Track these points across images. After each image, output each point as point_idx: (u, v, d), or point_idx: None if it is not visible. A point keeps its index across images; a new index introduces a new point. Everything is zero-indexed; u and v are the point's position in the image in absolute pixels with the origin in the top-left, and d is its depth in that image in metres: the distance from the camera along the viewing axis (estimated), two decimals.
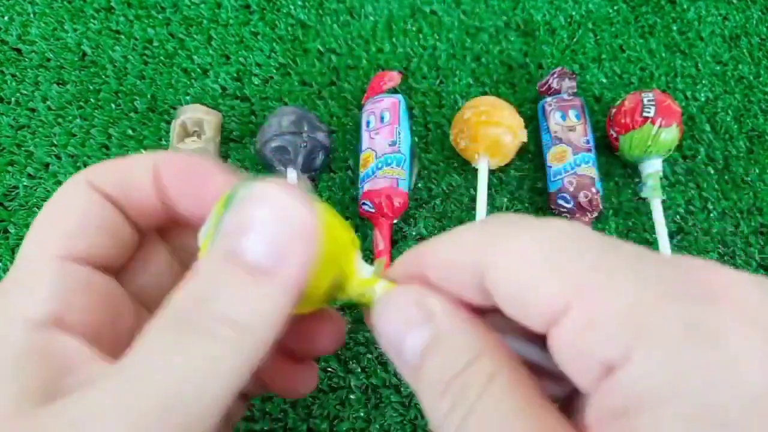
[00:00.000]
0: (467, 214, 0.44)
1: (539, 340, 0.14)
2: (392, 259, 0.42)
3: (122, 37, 0.51)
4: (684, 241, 0.44)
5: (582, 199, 0.42)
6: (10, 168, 0.45)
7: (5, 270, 0.41)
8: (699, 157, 0.48)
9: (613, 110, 0.46)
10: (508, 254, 0.13)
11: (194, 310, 0.14)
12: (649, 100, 0.43)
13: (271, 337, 0.14)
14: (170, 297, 0.14)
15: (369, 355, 0.39)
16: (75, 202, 0.17)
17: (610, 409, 0.12)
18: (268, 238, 0.14)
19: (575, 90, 0.47)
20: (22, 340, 0.14)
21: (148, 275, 0.19)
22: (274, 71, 0.50)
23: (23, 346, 0.14)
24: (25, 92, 0.48)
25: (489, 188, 0.45)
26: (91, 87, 0.49)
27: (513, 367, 0.13)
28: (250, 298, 0.14)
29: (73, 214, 0.17)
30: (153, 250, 0.20)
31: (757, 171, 0.47)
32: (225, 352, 0.13)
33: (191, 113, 0.44)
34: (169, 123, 0.47)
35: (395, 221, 0.44)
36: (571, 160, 0.43)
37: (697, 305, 0.11)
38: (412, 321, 0.15)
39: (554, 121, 0.46)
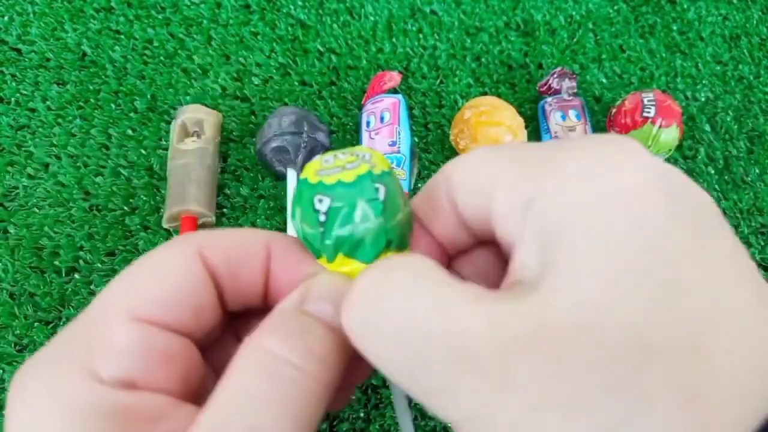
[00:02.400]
0: None
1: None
2: None
3: (122, 37, 0.51)
4: None
5: None
6: (10, 168, 0.45)
7: (5, 271, 0.41)
8: (699, 157, 0.48)
9: (613, 110, 0.46)
10: (459, 166, 0.17)
11: (265, 357, 0.15)
12: (649, 101, 0.43)
13: (332, 378, 0.15)
14: (248, 341, 0.15)
15: None
16: (178, 270, 0.16)
17: (531, 234, 0.14)
18: (336, 304, 0.16)
19: (575, 90, 0.47)
20: (97, 398, 0.14)
21: (222, 347, 0.19)
22: (274, 71, 0.50)
23: (97, 404, 0.14)
24: (25, 92, 0.48)
25: None
26: (91, 87, 0.49)
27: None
28: (323, 341, 0.15)
29: (172, 283, 0.16)
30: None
31: (757, 171, 0.47)
32: (290, 392, 0.14)
33: (191, 113, 0.44)
34: (169, 123, 0.47)
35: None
36: None
37: (592, 153, 0.15)
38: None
39: (554, 121, 0.46)
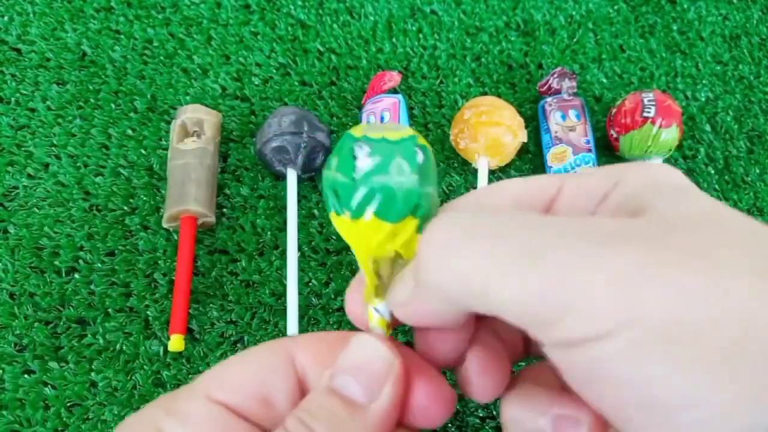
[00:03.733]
0: None
1: None
2: None
3: (122, 37, 0.51)
4: None
5: None
6: (10, 168, 0.45)
7: (5, 271, 0.41)
8: (699, 157, 0.48)
9: (614, 110, 0.46)
10: (499, 274, 0.14)
11: None
12: (649, 100, 0.43)
13: None
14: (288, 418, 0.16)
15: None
16: (264, 362, 0.18)
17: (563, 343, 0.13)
18: (363, 379, 0.17)
19: (575, 90, 0.47)
20: None
21: None
22: (274, 71, 0.50)
23: None
24: (25, 92, 0.48)
25: None
26: (90, 87, 0.49)
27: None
28: (345, 428, 0.16)
29: (256, 373, 0.17)
30: None
31: (758, 171, 0.47)
32: None
33: (191, 113, 0.44)
34: (169, 123, 0.47)
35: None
36: (572, 160, 0.43)
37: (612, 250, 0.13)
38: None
39: (554, 121, 0.46)
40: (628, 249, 0.12)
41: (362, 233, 0.17)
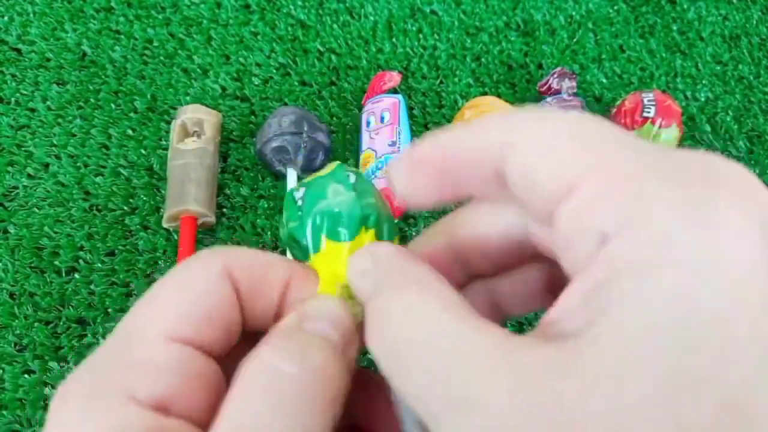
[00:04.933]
0: None
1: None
2: None
3: (122, 37, 0.51)
4: None
5: None
6: (10, 168, 0.45)
7: (5, 271, 0.41)
8: None
9: (614, 110, 0.46)
10: (527, 137, 0.14)
11: (268, 371, 0.15)
12: (649, 101, 0.43)
13: (335, 387, 0.15)
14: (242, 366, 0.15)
15: (369, 355, 0.39)
16: (207, 287, 0.16)
17: (592, 281, 0.12)
18: (341, 331, 0.16)
19: (575, 90, 0.47)
20: (131, 420, 0.14)
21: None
22: (274, 71, 0.50)
23: (131, 425, 0.14)
24: (25, 92, 0.48)
25: None
26: (91, 87, 0.49)
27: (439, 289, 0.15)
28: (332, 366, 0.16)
29: (202, 301, 0.16)
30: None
31: (757, 171, 0.47)
32: (296, 402, 0.14)
33: (191, 113, 0.44)
34: (169, 123, 0.47)
35: (395, 221, 0.44)
36: None
37: (696, 187, 0.12)
38: (361, 272, 0.17)
39: None
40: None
41: (328, 263, 0.18)
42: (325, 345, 0.16)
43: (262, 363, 0.15)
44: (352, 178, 0.18)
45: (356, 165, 0.46)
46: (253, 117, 0.48)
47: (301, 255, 0.18)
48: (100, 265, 0.42)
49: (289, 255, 0.19)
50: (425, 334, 0.13)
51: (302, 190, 0.18)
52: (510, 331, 0.13)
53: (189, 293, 0.16)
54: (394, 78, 0.48)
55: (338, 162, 0.19)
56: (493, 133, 0.15)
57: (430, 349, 0.13)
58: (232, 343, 0.17)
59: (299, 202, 0.18)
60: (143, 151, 0.46)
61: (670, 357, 0.11)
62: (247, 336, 0.18)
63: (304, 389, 0.15)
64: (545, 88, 0.48)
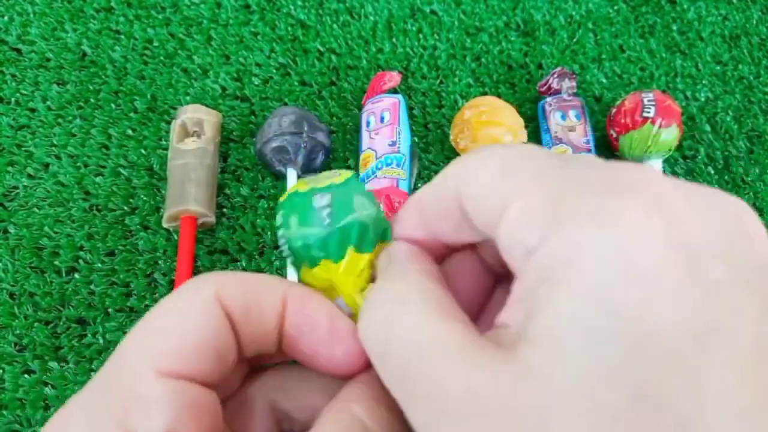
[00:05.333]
0: None
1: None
2: None
3: (122, 37, 0.51)
4: None
5: None
6: (10, 168, 0.45)
7: (5, 271, 0.41)
8: (699, 157, 0.48)
9: (613, 110, 0.46)
10: (471, 180, 0.16)
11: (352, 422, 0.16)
12: (649, 100, 0.43)
13: None
14: None
15: None
16: (197, 318, 0.16)
17: (521, 286, 0.14)
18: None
19: (575, 90, 0.47)
20: None
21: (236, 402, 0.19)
22: (274, 71, 0.50)
23: None
24: (25, 92, 0.48)
25: None
26: (91, 87, 0.49)
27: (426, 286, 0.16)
28: None
29: (192, 333, 0.16)
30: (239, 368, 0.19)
31: (757, 171, 0.48)
32: None
33: (191, 113, 0.44)
34: (169, 123, 0.47)
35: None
36: None
37: (607, 197, 0.13)
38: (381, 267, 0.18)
39: (554, 121, 0.46)
40: None
41: (345, 271, 0.18)
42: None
43: (346, 411, 0.16)
44: (366, 189, 0.19)
45: (356, 165, 0.46)
46: (253, 117, 0.48)
47: (308, 260, 0.18)
48: (100, 265, 0.42)
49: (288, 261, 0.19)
50: (403, 326, 0.15)
51: (325, 197, 0.18)
52: (473, 330, 0.14)
53: (179, 326, 0.16)
54: (394, 78, 0.48)
55: (352, 172, 0.19)
56: (449, 180, 0.17)
57: (405, 341, 0.15)
58: (228, 371, 0.17)
59: (324, 211, 0.18)
60: (143, 151, 0.46)
61: (589, 350, 0.12)
62: (245, 359, 0.18)
63: None
64: (545, 88, 0.48)
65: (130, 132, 0.47)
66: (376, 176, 0.43)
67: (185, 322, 0.16)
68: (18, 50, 0.50)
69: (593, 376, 0.12)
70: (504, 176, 0.15)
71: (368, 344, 0.16)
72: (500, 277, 0.19)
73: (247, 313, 0.17)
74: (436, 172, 0.46)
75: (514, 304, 0.14)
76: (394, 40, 0.52)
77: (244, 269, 0.42)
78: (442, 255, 0.19)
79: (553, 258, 0.13)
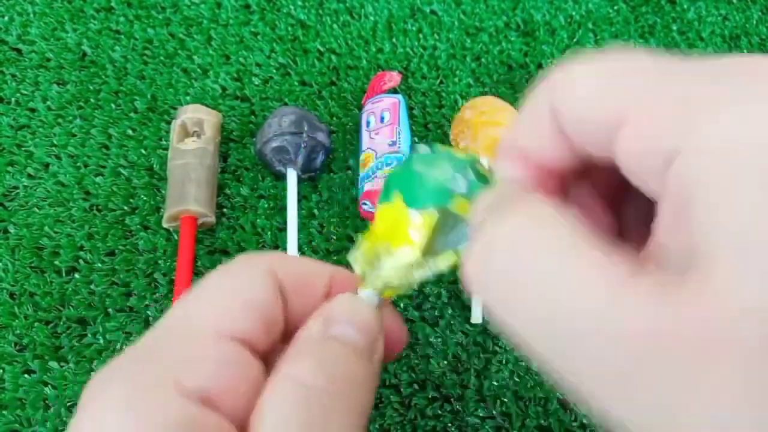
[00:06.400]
0: None
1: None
2: None
3: (122, 37, 0.51)
4: None
5: None
6: (10, 168, 0.45)
7: (5, 271, 0.41)
8: None
9: None
10: (572, 84, 0.14)
11: (296, 387, 0.15)
12: None
13: (364, 395, 0.16)
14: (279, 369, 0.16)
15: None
16: (255, 286, 0.17)
17: (672, 204, 0.12)
18: (365, 332, 0.17)
19: None
20: (176, 411, 0.14)
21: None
22: (274, 71, 0.50)
23: (177, 416, 0.14)
24: (25, 92, 0.48)
25: None
26: (91, 87, 0.49)
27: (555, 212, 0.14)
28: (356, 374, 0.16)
29: (251, 299, 0.16)
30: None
31: None
32: (324, 418, 0.15)
33: (191, 113, 0.44)
34: (169, 123, 0.47)
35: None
36: None
37: (739, 79, 0.11)
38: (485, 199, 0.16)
39: None
40: None
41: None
42: (351, 351, 0.16)
43: (288, 379, 0.15)
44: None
45: (356, 165, 0.46)
46: (253, 117, 0.48)
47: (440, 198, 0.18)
48: (100, 265, 0.42)
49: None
50: (534, 264, 0.12)
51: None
52: (631, 255, 0.12)
53: (238, 291, 0.16)
54: (394, 78, 0.48)
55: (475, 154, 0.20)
56: (540, 99, 0.15)
57: (539, 284, 0.12)
58: (274, 342, 0.17)
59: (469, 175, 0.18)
60: (143, 151, 0.46)
61: None
62: (286, 336, 0.18)
63: (334, 402, 0.15)
64: None
65: (130, 132, 0.47)
66: (376, 176, 0.43)
67: (243, 289, 0.16)
68: (18, 50, 0.50)
69: None
70: (610, 82, 0.13)
71: (492, 293, 0.13)
72: (616, 201, 0.17)
73: (297, 288, 0.17)
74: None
75: (667, 222, 0.12)
76: (394, 40, 0.52)
77: None
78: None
79: (703, 160, 0.11)
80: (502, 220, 0.14)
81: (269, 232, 0.43)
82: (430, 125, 0.48)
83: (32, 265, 0.41)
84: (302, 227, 0.43)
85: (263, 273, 0.17)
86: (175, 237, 0.43)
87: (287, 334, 0.18)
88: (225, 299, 0.16)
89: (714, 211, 0.11)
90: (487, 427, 0.37)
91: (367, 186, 0.43)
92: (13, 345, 0.39)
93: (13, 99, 0.48)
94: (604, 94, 0.13)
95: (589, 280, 0.12)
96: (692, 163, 0.11)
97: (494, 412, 0.38)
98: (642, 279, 0.11)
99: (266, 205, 0.44)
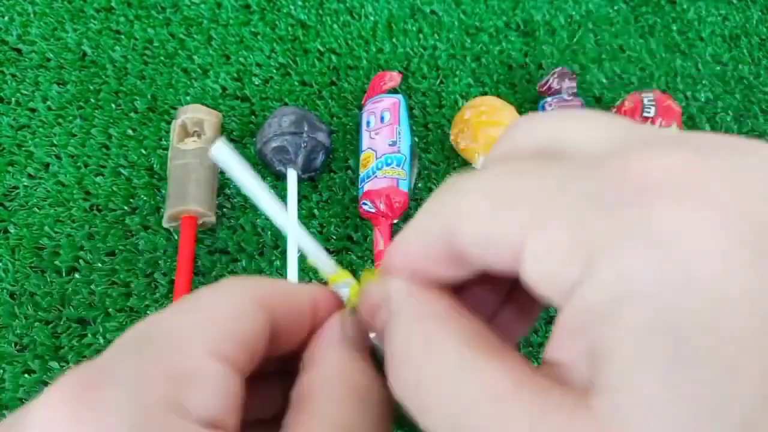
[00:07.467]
0: None
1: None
2: None
3: (122, 37, 0.51)
4: None
5: None
6: (10, 168, 0.45)
7: (5, 271, 0.41)
8: None
9: (613, 110, 0.46)
10: (466, 211, 0.14)
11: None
12: (649, 101, 0.43)
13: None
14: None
15: None
16: (245, 311, 0.16)
17: (570, 327, 0.12)
18: None
19: (575, 90, 0.47)
20: None
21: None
22: (274, 71, 0.50)
23: None
24: (25, 92, 0.48)
25: None
26: (91, 87, 0.49)
27: (460, 321, 0.14)
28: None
29: (242, 323, 0.16)
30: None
31: None
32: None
33: (191, 113, 0.44)
34: (169, 123, 0.47)
35: (395, 221, 0.44)
36: None
37: (631, 203, 0.11)
38: (374, 309, 0.16)
39: None
40: None
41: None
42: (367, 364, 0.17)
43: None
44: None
45: (356, 165, 0.46)
46: (253, 117, 0.48)
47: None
48: (100, 265, 0.42)
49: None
50: (445, 370, 0.13)
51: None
52: (528, 367, 0.13)
53: (231, 314, 0.16)
54: (394, 78, 0.48)
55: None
56: (434, 220, 0.15)
57: (450, 388, 0.13)
58: (254, 368, 0.17)
59: None
60: (143, 151, 0.46)
61: (676, 392, 0.10)
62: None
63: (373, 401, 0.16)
64: (545, 88, 0.48)
65: (130, 132, 0.47)
66: (376, 176, 0.43)
67: (235, 312, 0.16)
68: (18, 50, 0.50)
69: (689, 416, 0.10)
70: (504, 205, 0.13)
71: (406, 401, 0.14)
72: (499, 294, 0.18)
73: (285, 315, 0.17)
74: (436, 172, 0.46)
75: (566, 339, 0.12)
76: (394, 40, 0.52)
77: (245, 269, 0.42)
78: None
79: (605, 292, 0.11)
80: (413, 326, 0.15)
81: (269, 232, 0.43)
82: (430, 125, 0.48)
83: (32, 265, 0.41)
84: (302, 227, 0.43)
85: (254, 301, 0.17)
86: (176, 237, 0.43)
87: (268, 359, 0.18)
88: (218, 320, 0.16)
89: (613, 347, 0.11)
90: None
91: (367, 186, 0.43)
92: (13, 345, 0.39)
93: (13, 99, 0.48)
94: (498, 221, 0.13)
95: (490, 398, 0.12)
96: (593, 295, 0.12)
97: None
98: (541, 392, 0.12)
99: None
